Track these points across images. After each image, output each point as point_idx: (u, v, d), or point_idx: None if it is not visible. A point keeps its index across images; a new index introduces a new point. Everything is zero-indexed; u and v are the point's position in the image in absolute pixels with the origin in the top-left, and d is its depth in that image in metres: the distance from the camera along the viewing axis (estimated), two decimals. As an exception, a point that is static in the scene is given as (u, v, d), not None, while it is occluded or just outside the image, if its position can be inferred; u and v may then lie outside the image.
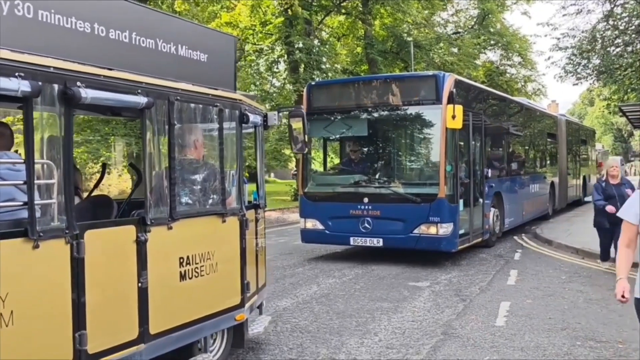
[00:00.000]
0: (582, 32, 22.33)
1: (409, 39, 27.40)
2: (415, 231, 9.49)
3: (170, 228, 4.01)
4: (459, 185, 9.82)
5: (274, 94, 27.87)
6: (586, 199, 21.80)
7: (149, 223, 3.81)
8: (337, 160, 12.80)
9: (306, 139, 5.68)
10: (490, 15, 33.96)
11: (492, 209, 11.65)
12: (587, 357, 5.19)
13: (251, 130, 5.56)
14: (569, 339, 5.68)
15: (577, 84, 27.32)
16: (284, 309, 7.00)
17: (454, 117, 8.95)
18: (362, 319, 6.49)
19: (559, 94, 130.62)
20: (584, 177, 22.00)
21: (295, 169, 26.77)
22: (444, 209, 9.38)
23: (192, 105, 4.37)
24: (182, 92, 4.18)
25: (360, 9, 27.47)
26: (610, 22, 21.53)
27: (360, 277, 8.95)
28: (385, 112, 10.29)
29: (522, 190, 14.20)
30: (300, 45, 25.38)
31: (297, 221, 11.33)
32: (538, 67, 50.63)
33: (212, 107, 4.53)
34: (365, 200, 9.81)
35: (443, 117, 9.24)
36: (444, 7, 32.66)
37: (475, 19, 35.66)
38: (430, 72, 10.90)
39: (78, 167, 5.58)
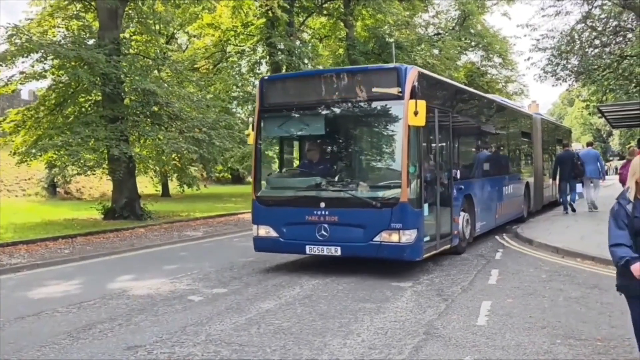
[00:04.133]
0: (561, 33, 22.63)
1: (391, 40, 27.56)
2: (376, 238, 8.67)
3: None
4: (424, 187, 9.01)
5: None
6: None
7: None
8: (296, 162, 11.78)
9: None
10: (470, 17, 34.28)
11: (462, 213, 10.94)
12: (567, 355, 5.24)
13: None
14: (549, 337, 5.74)
15: (556, 85, 27.68)
16: (266, 311, 6.99)
17: (416, 113, 8.31)
18: (344, 320, 6.50)
19: (539, 94, 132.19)
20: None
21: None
22: (407, 214, 8.59)
23: None
24: None
25: (342, 10, 27.57)
26: (588, 23, 21.83)
27: (343, 277, 8.96)
28: (344, 109, 9.47)
29: (494, 192, 13.42)
30: (282, 46, 25.41)
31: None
32: (518, 67, 51.13)
33: None
34: (322, 205, 8.98)
35: (405, 114, 8.54)
36: (425, 8, 32.89)
37: (456, 21, 35.94)
38: (392, 65, 9.63)
39: None
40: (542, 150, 18.34)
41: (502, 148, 15.05)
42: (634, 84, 23.85)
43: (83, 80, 17.12)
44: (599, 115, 24.64)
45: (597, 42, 22.35)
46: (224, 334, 6.05)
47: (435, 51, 31.52)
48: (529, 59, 53.79)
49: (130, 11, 20.12)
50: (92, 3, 19.28)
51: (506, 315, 6.58)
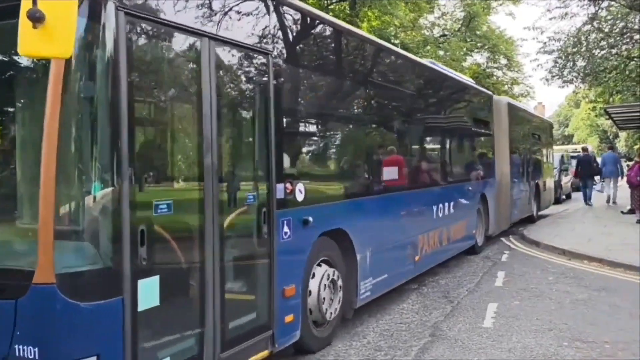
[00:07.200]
0: (567, 35, 22.57)
1: (396, 41, 27.50)
2: None
3: None
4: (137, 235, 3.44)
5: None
6: (542, 212, 17.14)
7: None
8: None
9: None
10: (476, 18, 34.23)
11: (319, 270, 5.49)
12: (574, 358, 5.21)
13: None
14: (556, 340, 5.70)
15: (563, 87, 27.52)
16: (271, 312, 6.96)
17: (37, 20, 2.81)
18: (349, 321, 6.48)
19: (546, 96, 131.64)
20: (537, 185, 16.31)
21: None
22: (52, 317, 3.14)
23: None
24: None
25: (348, 12, 27.55)
26: (595, 25, 21.76)
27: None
28: None
29: (412, 218, 7.85)
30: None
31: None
32: (525, 69, 50.95)
33: None
34: None
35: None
36: (431, 9, 32.86)
37: (461, 22, 35.90)
38: None
39: None
40: (509, 148, 13.16)
41: (428, 142, 9.63)
42: (641, 86, 23.75)
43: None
44: (606, 116, 24.55)
45: (603, 43, 22.25)
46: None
47: (441, 52, 31.45)
48: (535, 60, 53.24)
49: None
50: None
51: (512, 318, 6.55)
